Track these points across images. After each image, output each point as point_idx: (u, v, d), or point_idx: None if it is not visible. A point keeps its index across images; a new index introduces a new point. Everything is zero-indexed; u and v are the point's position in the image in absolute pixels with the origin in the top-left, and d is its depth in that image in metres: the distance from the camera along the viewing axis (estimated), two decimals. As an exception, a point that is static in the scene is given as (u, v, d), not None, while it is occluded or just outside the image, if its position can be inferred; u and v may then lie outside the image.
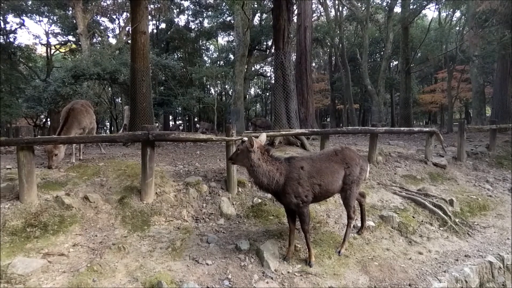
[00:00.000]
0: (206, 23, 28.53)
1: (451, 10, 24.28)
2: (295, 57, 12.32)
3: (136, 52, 8.80)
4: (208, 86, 31.70)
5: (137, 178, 5.20)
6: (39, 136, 5.03)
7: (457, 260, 4.19)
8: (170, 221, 4.65)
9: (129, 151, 8.00)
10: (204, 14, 26.60)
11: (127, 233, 4.27)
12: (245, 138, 3.76)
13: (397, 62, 32.82)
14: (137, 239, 4.14)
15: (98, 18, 23.61)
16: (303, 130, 6.61)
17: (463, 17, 22.95)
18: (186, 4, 27.55)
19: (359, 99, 30.06)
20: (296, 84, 9.31)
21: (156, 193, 5.02)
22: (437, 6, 20.48)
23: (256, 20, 25.94)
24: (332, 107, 29.66)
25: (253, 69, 28.68)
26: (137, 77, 8.78)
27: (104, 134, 5.46)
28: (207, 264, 3.74)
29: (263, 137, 3.90)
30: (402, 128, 9.27)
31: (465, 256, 4.30)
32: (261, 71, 35.23)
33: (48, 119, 19.59)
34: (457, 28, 25.00)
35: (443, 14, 24.70)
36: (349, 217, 4.15)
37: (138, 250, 3.91)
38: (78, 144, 6.51)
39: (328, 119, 32.96)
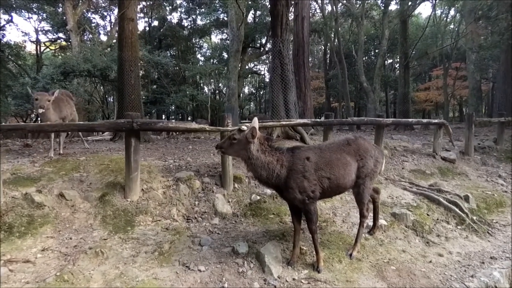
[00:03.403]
0: (199, 21, 28.03)
1: (446, 7, 24.37)
2: (292, 49, 11.81)
3: (124, 40, 8.18)
4: (201, 84, 31.10)
5: (121, 173, 4.63)
6: (3, 124, 4.41)
7: (482, 262, 3.71)
8: (158, 221, 4.09)
9: (115, 146, 7.41)
10: (197, 11, 26.04)
11: (107, 235, 3.70)
12: (244, 127, 3.20)
13: (391, 60, 32.79)
14: (119, 242, 3.58)
15: (89, 15, 23.11)
16: (305, 120, 6.02)
17: (457, 14, 22.88)
18: (179, 1, 27.03)
19: (354, 96, 29.74)
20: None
21: (143, 189, 4.46)
22: (432, 2, 20.25)
23: (250, 17, 25.49)
24: (327, 105, 29.24)
25: (247, 67, 28.18)
26: (125, 67, 8.16)
27: (82, 122, 4.87)
28: (200, 271, 3.21)
29: (255, 122, 3.30)
30: (410, 120, 8.89)
31: (491, 258, 3.82)
32: (254, 69, 34.77)
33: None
34: (451, 26, 25.02)
35: (438, 12, 24.72)
36: (362, 216, 3.63)
37: (119, 255, 3.35)
38: (57, 136, 5.93)
39: (323, 118, 32.50)
